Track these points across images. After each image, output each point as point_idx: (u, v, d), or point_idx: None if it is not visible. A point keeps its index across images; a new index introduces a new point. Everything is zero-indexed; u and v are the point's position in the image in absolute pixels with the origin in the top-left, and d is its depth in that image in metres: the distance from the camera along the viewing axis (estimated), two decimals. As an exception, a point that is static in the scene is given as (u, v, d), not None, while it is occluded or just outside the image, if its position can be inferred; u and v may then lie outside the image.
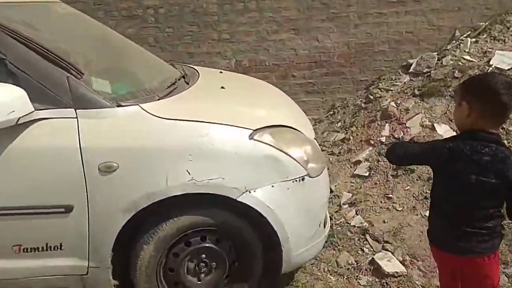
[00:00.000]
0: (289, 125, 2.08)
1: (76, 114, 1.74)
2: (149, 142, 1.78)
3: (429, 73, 3.62)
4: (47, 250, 1.81)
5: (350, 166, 3.31)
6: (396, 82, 3.79)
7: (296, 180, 1.94)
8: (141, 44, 4.11)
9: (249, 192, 1.83)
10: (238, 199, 1.82)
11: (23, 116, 1.61)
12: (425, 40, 4.04)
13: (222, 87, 2.31)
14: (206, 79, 2.53)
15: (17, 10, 1.93)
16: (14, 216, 1.73)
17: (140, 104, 1.84)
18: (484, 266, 1.45)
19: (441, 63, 3.65)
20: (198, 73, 2.59)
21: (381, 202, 2.81)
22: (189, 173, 1.77)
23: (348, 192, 3.01)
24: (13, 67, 1.68)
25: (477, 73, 2.02)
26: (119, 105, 1.81)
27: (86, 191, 1.74)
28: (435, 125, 3.18)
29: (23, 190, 1.72)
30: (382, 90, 3.80)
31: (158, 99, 1.95)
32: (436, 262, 1.67)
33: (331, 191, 3.06)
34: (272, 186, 1.89)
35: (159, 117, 1.81)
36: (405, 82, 3.72)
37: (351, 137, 3.60)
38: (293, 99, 4.21)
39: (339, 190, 3.06)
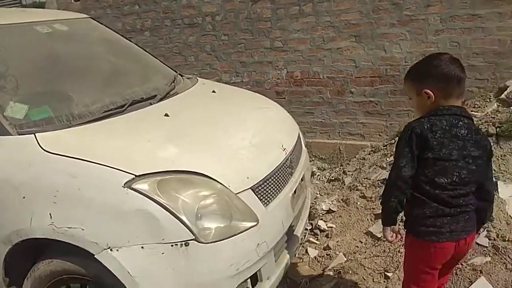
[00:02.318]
0: (202, 172, 1.69)
1: (-24, 140, 1.79)
2: (23, 176, 1.67)
3: (524, 104, 2.46)
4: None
5: (370, 219, 2.56)
6: (478, 110, 2.72)
7: (175, 244, 1.56)
8: (199, 52, 4.13)
9: (111, 250, 1.55)
10: (96, 256, 1.57)
11: None
12: (544, 53, 2.77)
13: (166, 115, 2.04)
14: (179, 100, 2.32)
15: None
16: None
17: (36, 133, 1.75)
18: (471, 242, 1.55)
19: (551, 90, 2.44)
20: (186, 91, 2.42)
21: (373, 280, 2.06)
22: (51, 216, 1.61)
23: (345, 254, 2.32)
24: None
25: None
26: (20, 133, 1.77)
27: (-22, 216, 1.78)
28: (499, 182, 2.15)
29: None
30: (456, 120, 2.78)
31: (69, 127, 1.84)
32: (423, 261, 1.54)
33: (328, 248, 2.44)
34: (142, 247, 1.56)
35: (44, 149, 1.68)
36: (487, 113, 2.63)
37: (394, 179, 2.77)
38: (349, 120, 3.57)
39: (337, 249, 2.39)
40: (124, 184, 1.58)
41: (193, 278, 1.59)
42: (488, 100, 2.77)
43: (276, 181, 1.99)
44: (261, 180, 1.87)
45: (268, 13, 3.67)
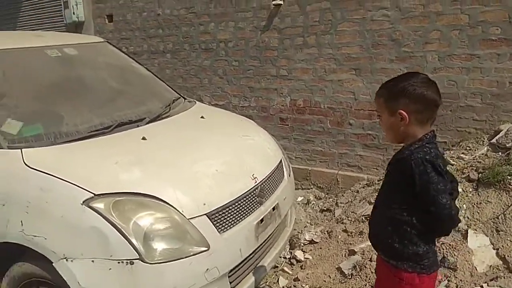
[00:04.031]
0: (157, 196, 1.81)
1: (-24, 151, 2.03)
2: (5, 186, 1.88)
3: (510, 150, 2.37)
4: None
5: (345, 255, 2.55)
6: (467, 153, 2.65)
7: (122, 262, 1.68)
8: (213, 75, 4.32)
9: (66, 260, 1.71)
10: (54, 264, 1.73)
11: None
12: (543, 98, 2.65)
13: (143, 138, 2.21)
14: (164, 124, 2.48)
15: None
16: None
17: (23, 149, 1.97)
18: None
19: (541, 137, 2.34)
20: (177, 115, 2.61)
21: (328, 318, 2.07)
22: (22, 224, 1.80)
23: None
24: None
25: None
26: (10, 147, 2.00)
27: (-31, 219, 2.01)
28: (469, 231, 2.08)
29: None
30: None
31: (51, 145, 2.04)
32: None
33: (297, 280, 2.46)
34: (93, 261, 1.70)
35: (26, 163, 1.89)
36: (475, 157, 2.55)
37: (376, 216, 2.75)
38: (348, 151, 3.57)
39: (305, 281, 2.41)
40: (83, 202, 1.73)
41: (137, 295, 1.71)
42: (481, 143, 2.70)
43: (238, 209, 2.07)
44: (219, 207, 1.96)
45: (275, 43, 3.81)
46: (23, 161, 1.91)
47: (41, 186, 1.82)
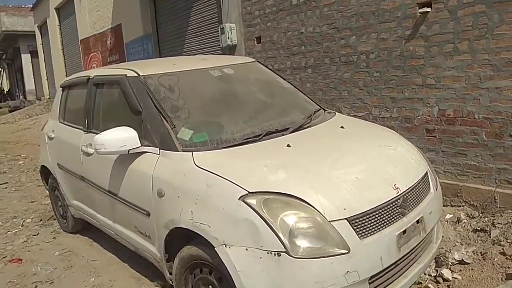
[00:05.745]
0: (302, 197, 1.98)
1: (159, 152, 2.55)
2: (180, 182, 2.31)
3: None
4: (146, 236, 2.73)
5: (501, 278, 2.28)
6: None
7: (270, 253, 1.90)
8: (352, 87, 4.39)
9: (225, 246, 2.00)
10: (215, 249, 2.04)
11: (132, 148, 2.60)
12: None
13: (288, 145, 2.42)
14: (306, 133, 2.68)
15: (172, 78, 2.91)
16: (129, 207, 2.77)
17: (193, 152, 2.40)
18: None
19: None
20: (318, 125, 2.81)
21: None
22: (191, 213, 2.18)
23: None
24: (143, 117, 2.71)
25: None
26: (184, 150, 2.45)
27: (153, 206, 2.53)
28: None
29: (133, 192, 2.72)
30: None
31: (214, 149, 2.43)
32: None
33: (442, 299, 2.31)
34: (246, 249, 1.95)
35: (196, 164, 2.30)
36: None
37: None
38: (508, 166, 3.16)
39: (453, 302, 2.24)
40: (240, 197, 2.01)
41: (282, 284, 1.89)
42: None
43: (378, 218, 2.09)
44: (360, 214, 2.03)
45: (421, 51, 3.64)
46: (194, 161, 2.32)
47: (207, 182, 2.18)
